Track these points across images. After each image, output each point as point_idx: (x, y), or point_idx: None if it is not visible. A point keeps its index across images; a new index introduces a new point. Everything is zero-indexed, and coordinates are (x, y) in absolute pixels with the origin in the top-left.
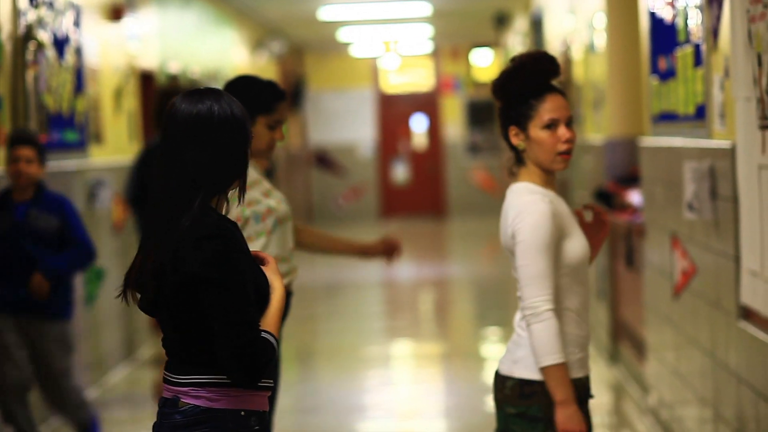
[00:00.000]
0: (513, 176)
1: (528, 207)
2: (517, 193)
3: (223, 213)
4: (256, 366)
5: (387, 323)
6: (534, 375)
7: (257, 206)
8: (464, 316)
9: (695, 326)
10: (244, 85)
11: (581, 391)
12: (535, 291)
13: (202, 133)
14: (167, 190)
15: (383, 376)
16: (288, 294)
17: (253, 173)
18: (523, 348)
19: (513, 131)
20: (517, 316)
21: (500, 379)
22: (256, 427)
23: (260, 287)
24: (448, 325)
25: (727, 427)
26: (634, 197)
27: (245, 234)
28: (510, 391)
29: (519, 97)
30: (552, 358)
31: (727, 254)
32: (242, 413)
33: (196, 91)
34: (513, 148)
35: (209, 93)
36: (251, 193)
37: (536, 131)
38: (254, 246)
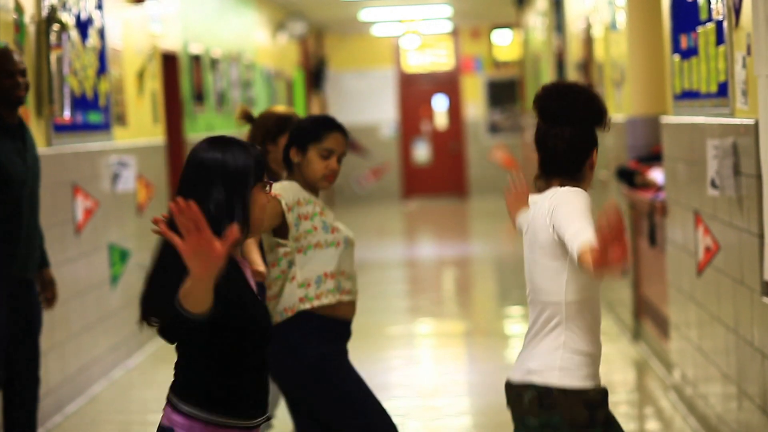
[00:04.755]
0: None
1: None
2: None
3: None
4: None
5: (410, 302)
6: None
7: (327, 217)
8: (486, 294)
9: (719, 303)
10: (300, 120)
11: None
12: None
13: (209, 178)
14: None
15: (407, 355)
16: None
17: (316, 199)
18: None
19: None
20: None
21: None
22: None
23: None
24: (470, 303)
25: (752, 403)
26: (657, 175)
27: (313, 239)
28: None
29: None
30: None
31: (751, 231)
32: None
33: (214, 140)
34: (581, 162)
35: (222, 143)
36: (320, 206)
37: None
38: (323, 253)
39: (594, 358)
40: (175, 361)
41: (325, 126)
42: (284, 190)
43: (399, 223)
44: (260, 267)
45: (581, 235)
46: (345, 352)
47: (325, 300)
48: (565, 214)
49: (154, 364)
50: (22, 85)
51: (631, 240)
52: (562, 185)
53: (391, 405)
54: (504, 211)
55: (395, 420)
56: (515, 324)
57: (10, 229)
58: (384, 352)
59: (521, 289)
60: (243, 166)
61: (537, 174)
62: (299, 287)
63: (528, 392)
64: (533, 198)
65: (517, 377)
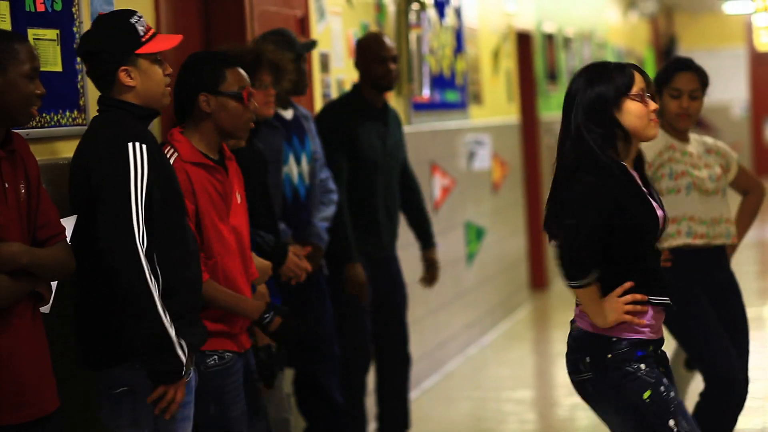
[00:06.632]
0: None
1: None
2: None
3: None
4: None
5: (761, 284)
6: None
7: (675, 165)
8: None
9: None
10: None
11: None
12: None
13: (571, 104)
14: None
15: (758, 338)
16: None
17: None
18: None
19: None
20: None
21: None
22: (625, 350)
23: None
24: None
25: None
26: None
27: (660, 186)
28: None
29: None
30: None
31: None
32: (613, 339)
33: (586, 68)
34: None
35: (589, 70)
36: (669, 153)
37: None
38: (664, 199)
39: None
40: None
41: (673, 67)
42: (647, 147)
43: None
44: None
45: None
46: (693, 286)
47: (665, 244)
48: None
49: (508, 342)
50: (393, 72)
51: None
52: None
53: (748, 388)
54: None
55: (756, 404)
56: None
57: (366, 209)
58: None
59: None
60: (597, 92)
61: None
62: None
63: None
64: None
65: None
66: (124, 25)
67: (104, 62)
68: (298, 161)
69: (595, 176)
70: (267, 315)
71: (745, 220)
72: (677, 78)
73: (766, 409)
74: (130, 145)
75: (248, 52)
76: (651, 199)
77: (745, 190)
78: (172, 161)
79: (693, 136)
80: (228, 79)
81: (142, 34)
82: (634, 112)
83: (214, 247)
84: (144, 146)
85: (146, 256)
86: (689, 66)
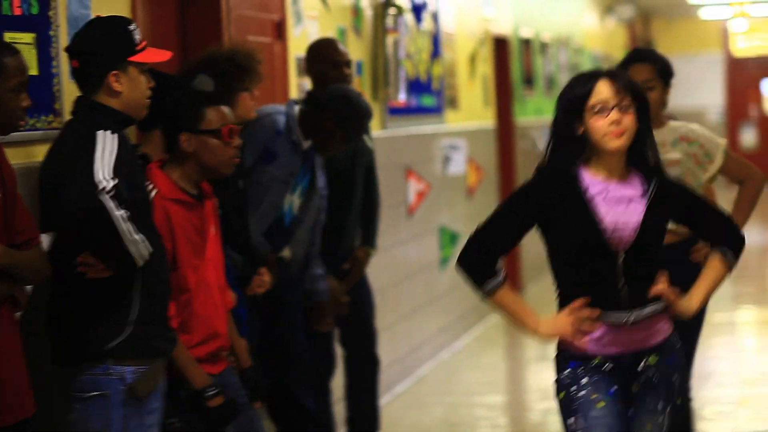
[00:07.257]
0: None
1: None
2: None
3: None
4: None
5: (733, 289)
6: None
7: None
8: None
9: None
10: None
11: None
12: None
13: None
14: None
15: (729, 342)
16: None
17: None
18: None
19: None
20: None
21: None
22: (560, 361)
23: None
24: None
25: None
26: None
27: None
28: None
29: None
30: None
31: None
32: (560, 348)
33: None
34: None
35: (574, 77)
36: None
37: None
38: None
39: None
40: None
41: (627, 59)
42: None
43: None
44: None
45: None
46: None
47: None
48: None
49: (481, 346)
50: (348, 76)
51: None
52: None
53: (719, 393)
54: None
55: (727, 408)
56: None
57: (331, 217)
58: (705, 340)
59: None
60: (569, 97)
61: None
62: None
63: None
64: None
65: None
66: (122, 31)
67: (97, 64)
68: (293, 190)
69: (534, 179)
70: (211, 390)
71: (742, 210)
72: (630, 70)
73: (737, 414)
74: (100, 132)
75: (227, 58)
76: (605, 211)
77: (740, 179)
78: (151, 197)
79: (673, 124)
80: (208, 116)
81: (137, 42)
82: (590, 125)
83: (190, 282)
84: (115, 135)
85: None
86: (643, 57)
